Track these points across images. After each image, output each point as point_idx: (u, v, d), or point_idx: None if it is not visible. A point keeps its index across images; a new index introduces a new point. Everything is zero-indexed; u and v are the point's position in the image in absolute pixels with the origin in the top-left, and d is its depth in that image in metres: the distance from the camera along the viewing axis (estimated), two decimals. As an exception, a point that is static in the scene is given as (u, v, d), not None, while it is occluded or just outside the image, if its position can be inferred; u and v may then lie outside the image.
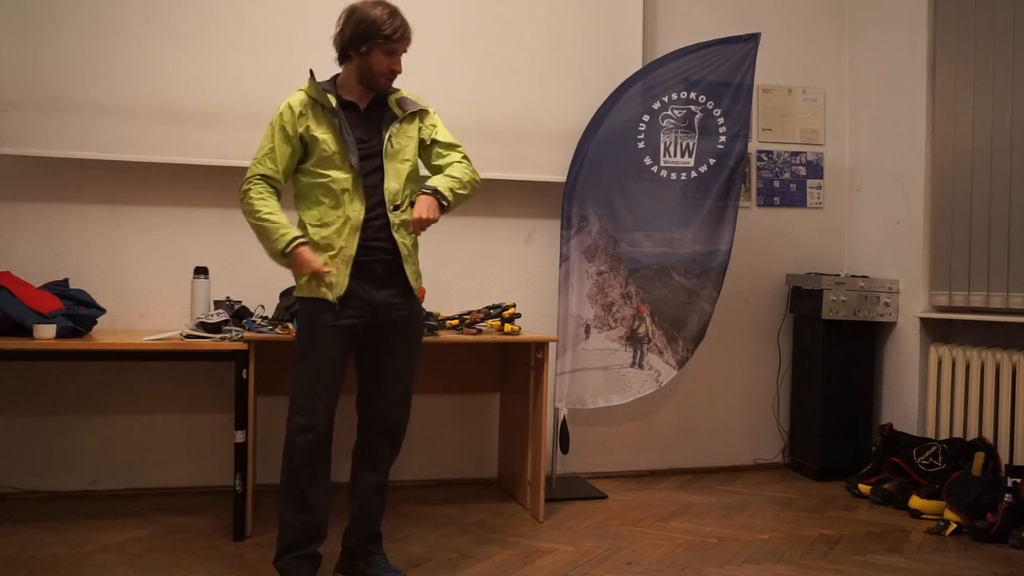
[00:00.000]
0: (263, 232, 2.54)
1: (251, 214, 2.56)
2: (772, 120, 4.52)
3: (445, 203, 2.58)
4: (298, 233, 2.52)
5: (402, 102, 2.67)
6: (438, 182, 2.61)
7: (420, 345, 2.76)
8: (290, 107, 2.57)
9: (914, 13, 4.16)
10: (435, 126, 2.73)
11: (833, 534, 3.38)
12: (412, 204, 2.64)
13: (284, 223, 2.53)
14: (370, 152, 2.58)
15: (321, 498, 2.60)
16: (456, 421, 4.07)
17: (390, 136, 2.60)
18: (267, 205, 2.54)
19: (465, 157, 2.74)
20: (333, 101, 2.57)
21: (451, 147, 2.74)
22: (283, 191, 2.62)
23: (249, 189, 2.57)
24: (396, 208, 2.59)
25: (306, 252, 2.49)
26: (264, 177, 2.57)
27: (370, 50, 2.54)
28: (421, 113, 2.71)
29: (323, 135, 2.55)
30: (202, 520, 3.34)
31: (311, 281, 2.56)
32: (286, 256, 2.50)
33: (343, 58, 2.61)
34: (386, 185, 2.57)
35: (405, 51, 2.60)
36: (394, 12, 2.55)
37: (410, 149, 2.66)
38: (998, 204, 3.72)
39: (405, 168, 2.63)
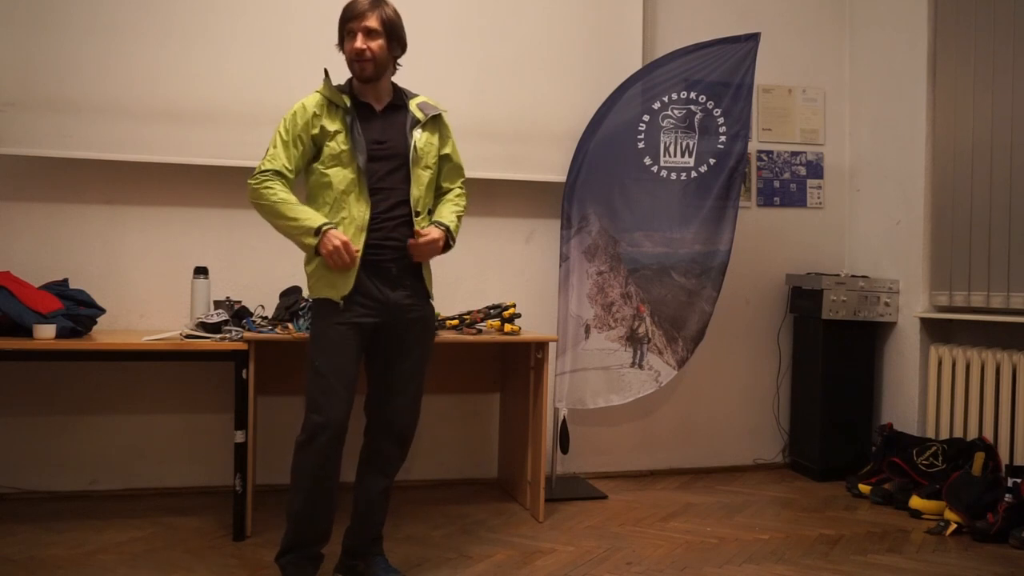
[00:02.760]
0: (284, 221, 2.52)
1: (266, 206, 2.53)
2: (772, 120, 4.52)
3: (451, 242, 2.68)
4: (325, 220, 2.50)
5: (423, 107, 2.69)
6: (451, 223, 2.68)
7: (432, 348, 2.76)
8: (304, 107, 2.58)
9: (914, 13, 4.16)
10: (450, 139, 2.77)
11: (833, 534, 3.38)
12: (430, 212, 2.69)
13: (305, 210, 2.52)
14: (387, 153, 2.59)
15: (329, 499, 2.59)
16: (456, 421, 4.07)
17: (415, 143, 2.62)
18: (281, 195, 2.52)
19: (462, 185, 2.82)
20: (347, 101, 2.58)
21: (458, 172, 2.79)
22: (293, 186, 2.60)
23: (259, 184, 2.54)
24: (418, 214, 2.61)
25: (334, 235, 2.46)
26: (276, 173, 2.55)
27: (341, 42, 2.60)
28: (439, 120, 2.73)
29: (335, 133, 2.55)
30: (202, 520, 3.34)
31: (319, 281, 2.57)
32: (317, 237, 2.46)
33: None
34: (411, 191, 2.59)
35: (367, 30, 2.53)
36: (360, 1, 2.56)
37: (431, 156, 2.68)
38: (998, 204, 3.72)
39: (427, 175, 2.66)
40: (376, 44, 2.55)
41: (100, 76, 3.52)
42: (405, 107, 2.66)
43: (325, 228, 2.47)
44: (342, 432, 2.55)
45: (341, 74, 2.66)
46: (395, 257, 2.58)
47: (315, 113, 2.57)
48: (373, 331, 2.60)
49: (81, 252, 3.64)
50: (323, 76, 2.63)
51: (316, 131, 2.56)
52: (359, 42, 2.53)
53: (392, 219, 2.57)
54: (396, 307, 2.59)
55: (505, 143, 3.96)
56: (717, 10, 4.35)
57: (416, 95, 2.72)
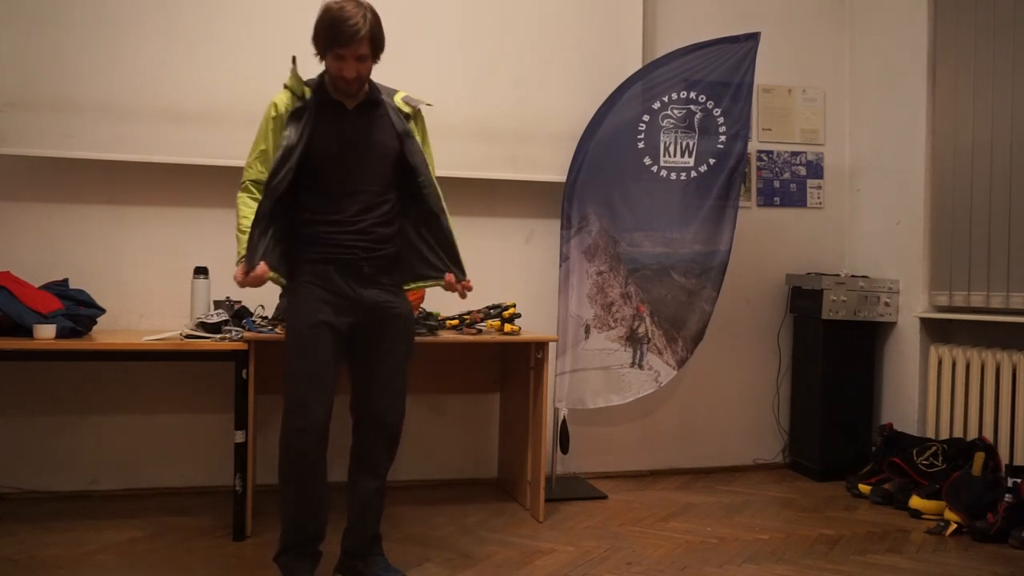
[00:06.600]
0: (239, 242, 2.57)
1: (238, 221, 2.60)
2: (772, 120, 4.52)
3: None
4: (244, 254, 2.50)
5: (408, 100, 2.66)
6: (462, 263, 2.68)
7: (412, 344, 2.75)
8: (275, 106, 2.55)
9: (914, 13, 4.15)
10: (425, 133, 2.71)
11: (833, 534, 3.38)
12: (427, 221, 2.66)
13: (245, 239, 2.52)
14: (358, 151, 2.54)
15: (318, 500, 2.59)
16: (456, 421, 4.07)
17: (380, 139, 2.58)
18: (243, 209, 2.59)
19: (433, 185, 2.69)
20: (308, 93, 2.53)
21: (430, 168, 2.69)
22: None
23: (239, 196, 2.62)
24: (387, 208, 2.60)
25: (239, 275, 2.49)
26: (254, 183, 2.59)
27: (322, 55, 2.49)
28: (415, 115, 2.69)
29: (290, 130, 2.50)
30: (202, 520, 3.34)
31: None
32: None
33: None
34: (376, 188, 2.57)
35: (362, 57, 2.44)
36: (351, 15, 2.38)
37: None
38: (998, 204, 3.72)
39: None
40: (366, 67, 2.49)
41: (102, 76, 3.52)
42: (380, 104, 2.59)
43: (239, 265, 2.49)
44: (323, 433, 2.54)
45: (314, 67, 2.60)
46: (367, 256, 2.56)
47: (286, 107, 2.52)
48: (350, 330, 2.59)
49: (81, 252, 3.64)
50: (292, 66, 2.54)
51: (281, 137, 2.50)
52: (350, 71, 2.44)
53: (364, 219, 2.54)
54: (371, 305, 2.58)
55: (505, 143, 3.96)
56: (717, 10, 4.35)
57: (397, 91, 2.67)
